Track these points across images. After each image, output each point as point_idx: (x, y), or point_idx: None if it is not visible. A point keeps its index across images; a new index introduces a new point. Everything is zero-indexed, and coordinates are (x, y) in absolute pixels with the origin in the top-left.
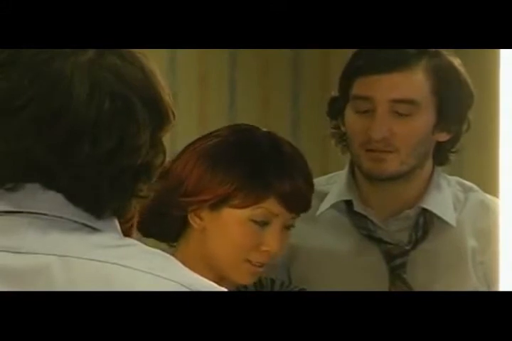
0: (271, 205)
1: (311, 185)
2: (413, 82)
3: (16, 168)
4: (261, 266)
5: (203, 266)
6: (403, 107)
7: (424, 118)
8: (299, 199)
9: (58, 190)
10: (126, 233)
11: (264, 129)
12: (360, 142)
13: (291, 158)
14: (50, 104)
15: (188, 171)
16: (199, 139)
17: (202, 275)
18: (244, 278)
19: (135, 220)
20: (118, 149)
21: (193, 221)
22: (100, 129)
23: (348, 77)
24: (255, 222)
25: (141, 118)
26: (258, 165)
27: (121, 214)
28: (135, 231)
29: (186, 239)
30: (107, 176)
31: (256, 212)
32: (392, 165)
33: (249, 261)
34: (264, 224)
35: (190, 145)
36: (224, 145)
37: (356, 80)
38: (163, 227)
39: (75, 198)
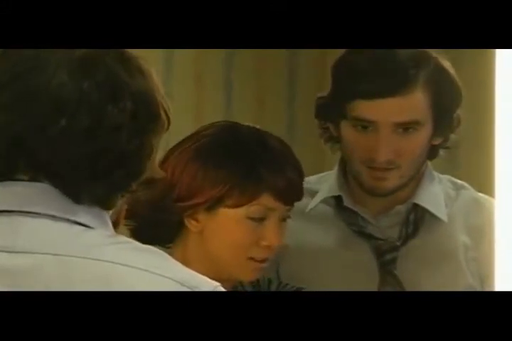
0: (266, 201)
1: (301, 174)
2: (414, 103)
3: (1, 144)
4: (264, 261)
5: (203, 268)
6: (406, 127)
7: (425, 133)
8: (292, 191)
9: (38, 168)
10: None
11: (246, 124)
12: (362, 160)
13: (279, 150)
14: (31, 83)
15: (177, 175)
16: (183, 141)
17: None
18: (248, 275)
19: (120, 220)
20: (96, 128)
21: (190, 224)
22: (78, 107)
23: (345, 98)
24: (252, 218)
25: (121, 105)
26: (248, 162)
27: (107, 207)
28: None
29: (184, 242)
30: (87, 156)
31: (252, 209)
32: (393, 181)
33: (252, 259)
34: (261, 219)
35: (174, 148)
36: (211, 145)
37: (355, 102)
38: (160, 233)
39: (55, 178)
